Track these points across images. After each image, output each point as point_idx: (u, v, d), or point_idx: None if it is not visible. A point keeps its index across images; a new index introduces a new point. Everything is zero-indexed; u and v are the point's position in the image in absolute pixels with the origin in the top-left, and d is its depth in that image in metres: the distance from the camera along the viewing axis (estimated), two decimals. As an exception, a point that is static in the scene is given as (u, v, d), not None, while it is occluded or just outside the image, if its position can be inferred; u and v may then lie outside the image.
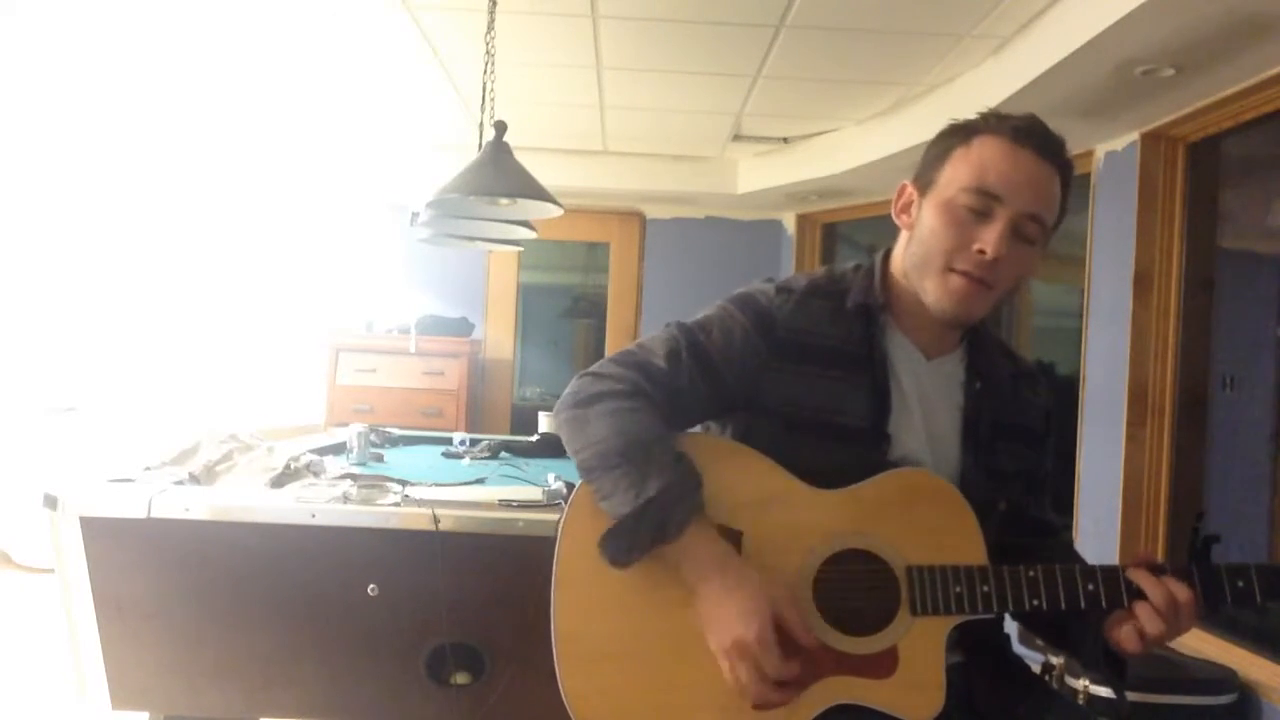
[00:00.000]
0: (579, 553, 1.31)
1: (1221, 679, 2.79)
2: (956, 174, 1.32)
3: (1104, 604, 1.27)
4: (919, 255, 1.35)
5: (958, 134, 1.35)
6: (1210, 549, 1.29)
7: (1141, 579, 1.26)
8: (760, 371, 1.36)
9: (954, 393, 1.42)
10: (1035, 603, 1.26)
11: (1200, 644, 2.98)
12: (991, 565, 1.29)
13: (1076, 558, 1.43)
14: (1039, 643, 2.39)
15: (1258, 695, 2.79)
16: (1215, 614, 3.04)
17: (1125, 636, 1.27)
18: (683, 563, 1.26)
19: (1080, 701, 2.72)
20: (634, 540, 1.25)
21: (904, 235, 1.41)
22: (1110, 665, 1.33)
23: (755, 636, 1.20)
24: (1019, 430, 1.45)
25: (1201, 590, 1.25)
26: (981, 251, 1.29)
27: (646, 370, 1.35)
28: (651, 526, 1.24)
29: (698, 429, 1.44)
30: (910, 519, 1.30)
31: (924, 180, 1.37)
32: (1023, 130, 1.31)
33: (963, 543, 1.30)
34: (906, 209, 1.40)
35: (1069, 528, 3.60)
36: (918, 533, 1.30)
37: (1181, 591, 1.24)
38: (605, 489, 1.27)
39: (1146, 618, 1.25)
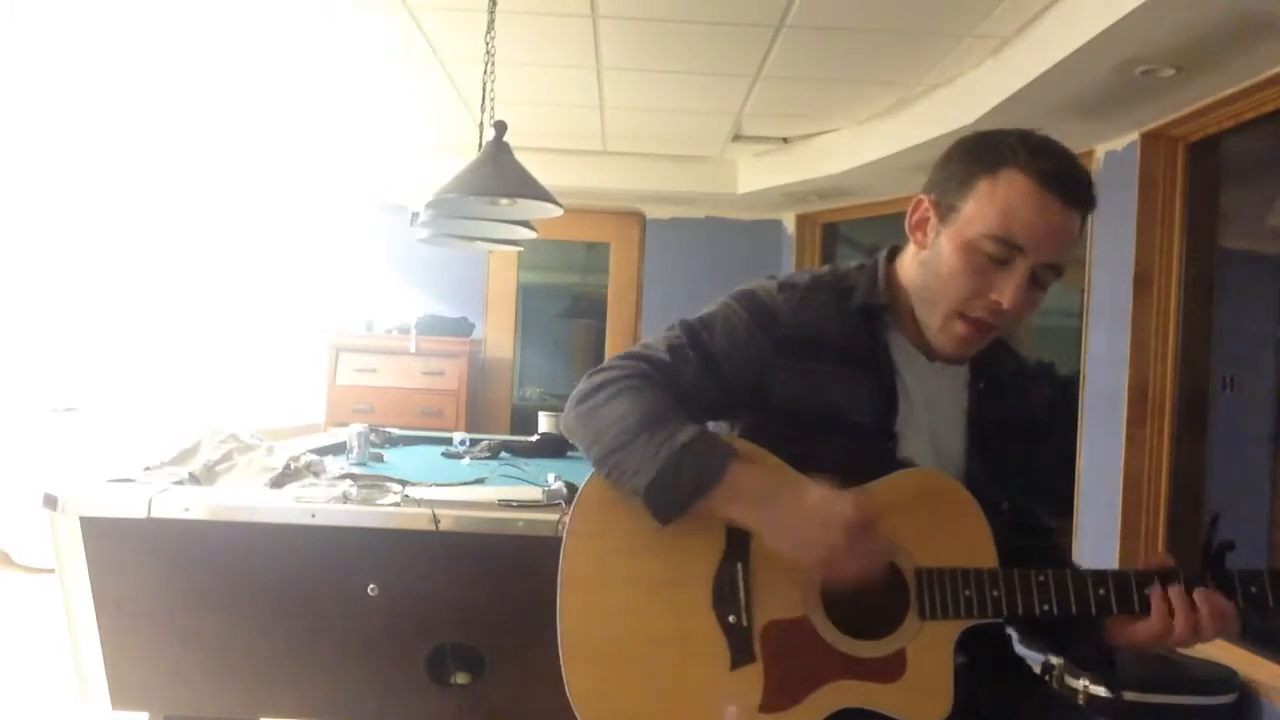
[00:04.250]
0: (585, 552, 1.30)
1: (1221, 679, 2.80)
2: (981, 214, 1.27)
3: (1114, 609, 1.26)
4: (932, 289, 1.33)
5: (983, 159, 1.30)
6: (1225, 555, 1.28)
7: (1152, 586, 1.25)
8: (764, 368, 1.35)
9: (958, 393, 1.42)
10: (1045, 608, 1.26)
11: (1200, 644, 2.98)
12: (1001, 569, 1.28)
13: (1069, 563, 1.42)
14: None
15: (1258, 695, 2.80)
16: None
17: (1123, 634, 1.27)
18: (733, 503, 1.24)
19: (1080, 701, 2.72)
20: (677, 489, 1.23)
21: (914, 247, 1.39)
22: (1108, 665, 1.33)
23: (855, 520, 1.19)
24: (1023, 429, 1.45)
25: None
26: (998, 302, 1.28)
27: (651, 361, 1.35)
28: (693, 470, 1.23)
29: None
30: (920, 520, 1.29)
31: (944, 204, 1.32)
32: (1052, 176, 1.26)
33: (973, 545, 1.29)
34: (921, 227, 1.36)
35: (1065, 532, 3.60)
36: (928, 535, 1.29)
37: (1181, 598, 1.23)
38: (631, 463, 1.25)
39: (1150, 625, 1.25)
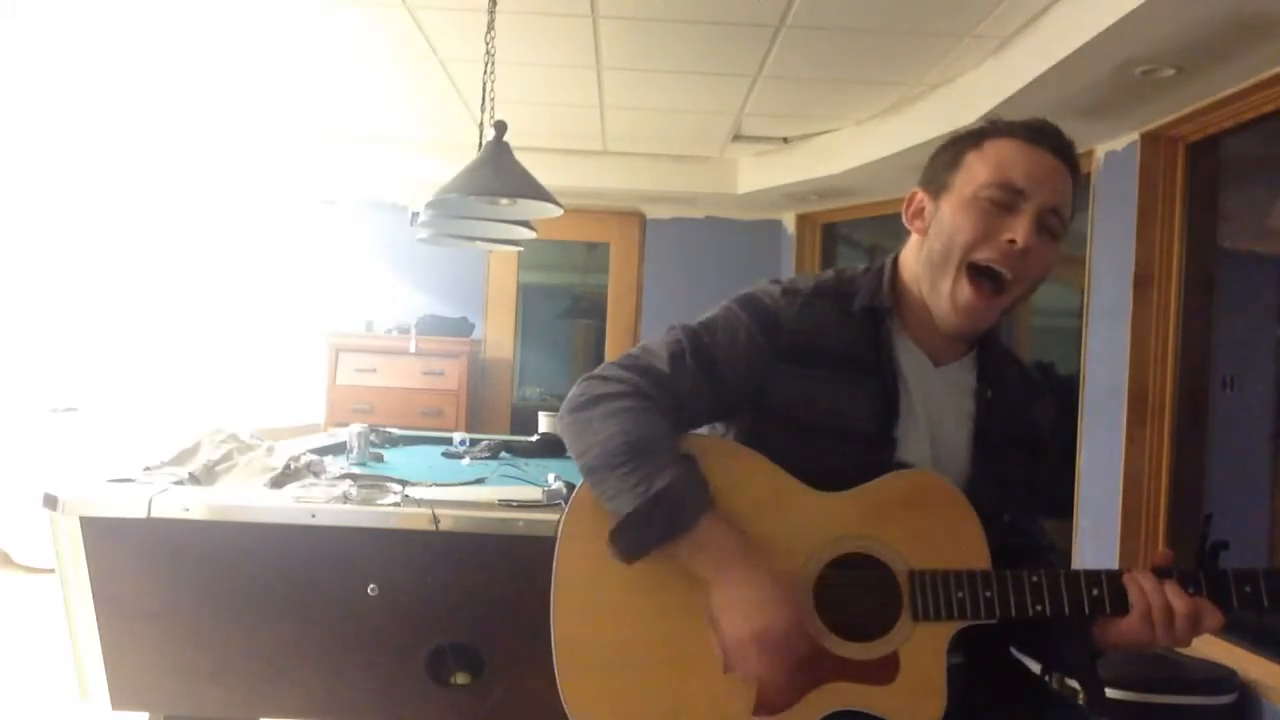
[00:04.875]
0: (579, 556, 1.30)
1: (1221, 679, 2.79)
2: (975, 174, 1.31)
3: (1108, 609, 1.25)
4: (938, 251, 1.32)
5: (967, 139, 1.35)
6: (1218, 554, 1.28)
7: (1146, 584, 1.24)
8: (764, 372, 1.34)
9: (964, 401, 1.40)
10: (1039, 608, 1.25)
11: (1200, 644, 2.98)
12: (995, 570, 1.27)
13: (1059, 565, 1.41)
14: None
15: (1258, 695, 2.80)
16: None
17: (1113, 635, 1.27)
18: (697, 555, 1.24)
19: (1079, 702, 2.72)
20: (645, 534, 1.23)
21: (915, 239, 1.39)
22: (1095, 669, 1.32)
23: (785, 624, 1.20)
24: (1027, 441, 1.44)
25: (1208, 595, 1.23)
26: (1012, 241, 1.27)
27: (649, 373, 1.33)
28: (664, 518, 1.23)
29: (704, 429, 1.42)
30: (913, 522, 1.29)
31: (937, 185, 1.36)
32: (1036, 129, 1.31)
33: (965, 546, 1.28)
34: (919, 214, 1.38)
35: (1065, 532, 3.60)
36: (920, 536, 1.28)
37: (1181, 602, 1.22)
38: (611, 489, 1.26)
39: (1133, 625, 1.24)
